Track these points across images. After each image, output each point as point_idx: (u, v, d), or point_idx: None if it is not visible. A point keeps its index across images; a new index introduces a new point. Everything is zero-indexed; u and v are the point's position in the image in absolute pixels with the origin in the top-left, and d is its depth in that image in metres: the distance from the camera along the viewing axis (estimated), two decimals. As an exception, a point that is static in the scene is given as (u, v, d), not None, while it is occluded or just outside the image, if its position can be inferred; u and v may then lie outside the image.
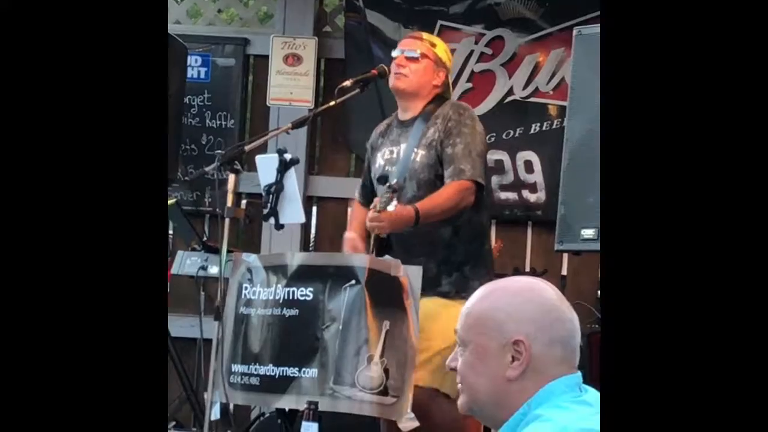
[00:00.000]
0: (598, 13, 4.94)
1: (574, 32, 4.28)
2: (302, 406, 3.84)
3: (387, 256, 4.31)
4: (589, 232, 3.95)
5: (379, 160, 4.54)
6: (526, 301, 2.13)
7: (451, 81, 4.64)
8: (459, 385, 2.16)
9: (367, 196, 4.58)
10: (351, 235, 4.52)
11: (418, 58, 4.45)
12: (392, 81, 4.50)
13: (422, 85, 4.46)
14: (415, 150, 4.38)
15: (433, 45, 4.53)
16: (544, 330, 2.09)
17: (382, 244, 4.35)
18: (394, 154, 4.48)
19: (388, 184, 4.07)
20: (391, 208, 4.04)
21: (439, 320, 4.15)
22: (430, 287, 4.22)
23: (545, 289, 2.16)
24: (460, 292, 4.27)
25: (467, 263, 4.36)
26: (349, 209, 5.99)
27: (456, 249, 4.36)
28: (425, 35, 4.61)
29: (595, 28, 4.14)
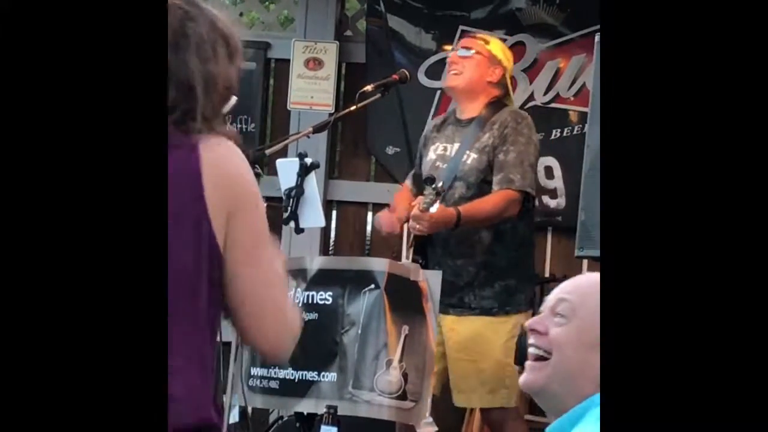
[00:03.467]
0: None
1: (596, 38, 4.27)
2: (321, 410, 3.85)
3: (405, 260, 4.31)
4: (609, 239, 3.94)
5: (431, 154, 4.51)
6: None
7: (510, 83, 4.57)
8: (542, 352, 2.03)
9: (417, 182, 4.55)
10: (389, 213, 4.50)
11: (471, 56, 4.41)
12: (446, 80, 4.50)
13: (476, 81, 4.40)
14: (468, 152, 4.36)
15: (486, 42, 4.48)
16: None
17: (420, 241, 4.36)
18: (447, 151, 4.46)
19: (434, 185, 4.07)
20: (433, 209, 4.05)
21: (488, 342, 4.23)
22: (470, 292, 4.25)
23: None
24: (504, 306, 4.29)
25: (510, 272, 4.34)
26: (370, 216, 6.04)
27: (497, 255, 4.34)
28: (479, 35, 4.60)
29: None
